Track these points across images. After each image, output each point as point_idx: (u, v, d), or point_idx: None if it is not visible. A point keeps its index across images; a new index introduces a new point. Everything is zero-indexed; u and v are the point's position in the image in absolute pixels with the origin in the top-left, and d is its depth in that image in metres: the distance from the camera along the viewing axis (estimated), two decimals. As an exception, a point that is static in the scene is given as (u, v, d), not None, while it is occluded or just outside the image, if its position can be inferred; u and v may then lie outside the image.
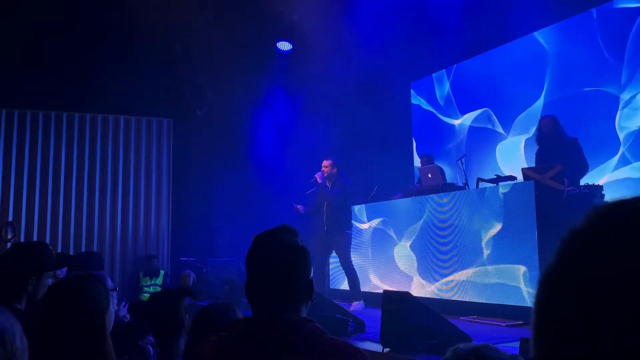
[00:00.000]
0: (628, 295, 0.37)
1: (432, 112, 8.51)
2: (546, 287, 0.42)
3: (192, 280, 3.71)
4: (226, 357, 1.36)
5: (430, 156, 7.26)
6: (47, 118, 8.08)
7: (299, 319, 1.38)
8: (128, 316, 2.96)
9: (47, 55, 7.43)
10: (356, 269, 6.11)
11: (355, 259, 6.45)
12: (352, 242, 6.32)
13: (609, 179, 5.82)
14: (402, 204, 6.23)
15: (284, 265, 1.41)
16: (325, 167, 6.11)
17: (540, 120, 5.45)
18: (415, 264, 5.88)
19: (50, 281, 2.18)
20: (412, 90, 8.91)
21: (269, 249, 1.45)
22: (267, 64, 8.23)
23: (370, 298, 6.18)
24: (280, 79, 8.33)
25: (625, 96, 5.85)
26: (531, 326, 0.44)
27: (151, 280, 7.77)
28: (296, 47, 8.16)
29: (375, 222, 6.62)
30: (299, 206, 6.18)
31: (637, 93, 5.74)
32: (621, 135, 5.86)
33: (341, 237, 5.99)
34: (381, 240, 6.47)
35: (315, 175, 6.10)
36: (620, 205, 0.42)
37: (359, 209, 6.86)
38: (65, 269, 2.52)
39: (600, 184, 5.12)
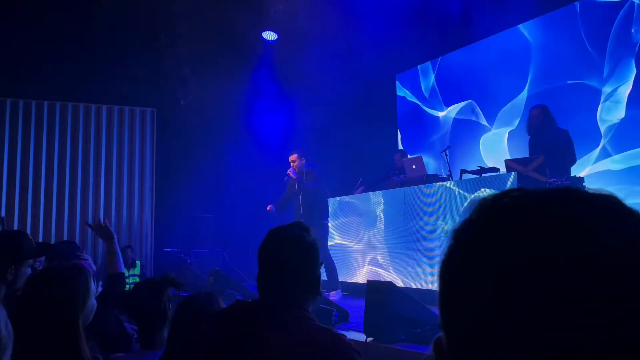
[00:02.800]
0: (536, 281, 0.40)
1: (417, 103, 8.53)
2: (456, 281, 0.45)
3: None
4: (222, 329, 1.49)
5: (404, 152, 7.37)
6: (27, 106, 7.95)
7: (294, 309, 1.48)
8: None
9: (28, 43, 7.30)
10: (344, 259, 6.12)
11: (342, 250, 6.48)
12: (340, 232, 6.31)
13: (590, 171, 5.90)
14: (387, 195, 6.25)
15: (294, 259, 1.50)
16: (293, 161, 6.02)
17: (530, 110, 5.45)
18: (400, 255, 5.91)
19: (29, 270, 2.16)
20: (397, 82, 8.93)
21: (281, 242, 1.53)
22: (252, 53, 8.18)
23: (354, 288, 6.21)
24: (265, 68, 8.29)
25: (606, 89, 5.93)
26: (442, 323, 0.46)
27: (129, 272, 7.69)
28: (282, 37, 8.12)
29: (360, 214, 6.64)
30: (269, 206, 6.10)
31: (619, 86, 5.81)
32: (602, 128, 5.94)
33: (318, 227, 5.95)
34: (367, 231, 6.50)
35: (288, 172, 5.98)
36: (499, 197, 0.46)
37: (342, 201, 6.86)
38: (43, 258, 2.49)
39: (581, 176, 5.19)
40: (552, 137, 5.11)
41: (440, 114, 8.07)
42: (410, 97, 8.66)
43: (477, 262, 0.43)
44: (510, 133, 6.92)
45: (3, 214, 7.57)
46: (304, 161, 6.05)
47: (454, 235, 0.47)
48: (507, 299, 0.40)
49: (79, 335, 1.59)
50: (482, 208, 0.46)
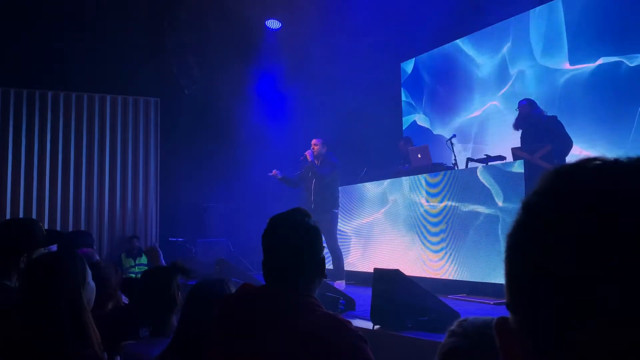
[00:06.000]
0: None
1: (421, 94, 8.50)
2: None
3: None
4: (229, 312, 1.51)
5: (409, 138, 7.35)
6: (31, 96, 7.94)
7: (299, 293, 1.49)
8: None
9: (32, 33, 7.28)
10: (349, 248, 6.13)
11: (347, 238, 6.48)
12: (344, 221, 6.31)
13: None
14: (393, 183, 6.25)
15: (298, 244, 1.52)
16: (315, 145, 6.07)
17: (519, 104, 5.61)
18: (406, 243, 5.91)
19: (39, 258, 2.17)
20: (401, 71, 8.89)
21: (283, 228, 1.55)
22: (256, 42, 8.14)
23: (359, 277, 6.22)
24: (269, 57, 8.25)
25: None
26: (518, 303, 0.44)
27: (135, 261, 7.71)
28: (285, 26, 8.07)
29: (366, 203, 6.63)
30: (274, 171, 6.13)
31: None
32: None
33: (328, 216, 5.97)
34: (372, 220, 6.50)
35: (305, 153, 6.05)
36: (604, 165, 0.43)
37: (346, 189, 6.85)
38: (55, 246, 2.50)
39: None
40: (542, 126, 5.25)
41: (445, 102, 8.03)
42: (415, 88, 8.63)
43: (575, 238, 0.40)
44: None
45: (9, 203, 7.60)
46: (325, 149, 6.09)
47: (530, 210, 0.44)
48: (611, 276, 0.38)
49: (84, 311, 1.60)
50: (565, 179, 0.43)
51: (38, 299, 1.60)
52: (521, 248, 0.44)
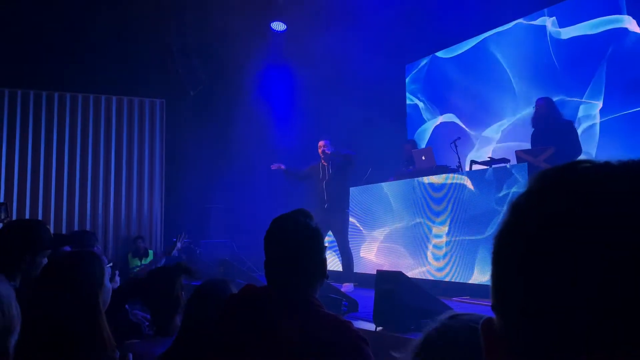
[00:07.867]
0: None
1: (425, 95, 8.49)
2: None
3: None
4: (231, 313, 1.53)
5: (414, 141, 7.33)
6: (38, 97, 8.00)
7: (301, 294, 1.51)
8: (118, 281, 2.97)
9: (38, 34, 7.33)
10: (353, 250, 6.14)
11: (351, 240, 6.49)
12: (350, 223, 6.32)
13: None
14: (396, 185, 6.25)
15: (299, 245, 1.54)
16: (325, 147, 5.99)
17: (536, 102, 5.43)
18: (409, 245, 5.92)
19: (45, 260, 2.18)
20: (406, 72, 8.88)
21: (285, 230, 1.57)
22: (261, 44, 8.16)
23: (363, 279, 6.22)
24: (274, 59, 8.27)
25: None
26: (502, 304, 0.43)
27: (141, 261, 7.74)
28: (290, 28, 8.09)
29: (369, 204, 6.64)
30: (277, 165, 6.06)
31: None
32: None
33: (340, 216, 5.94)
34: (375, 221, 6.50)
35: (323, 147, 5.95)
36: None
37: (355, 190, 6.86)
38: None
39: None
40: (555, 128, 5.10)
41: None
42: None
43: (557, 241, 0.39)
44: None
45: (15, 204, 7.65)
46: (332, 148, 6.07)
47: (516, 211, 0.43)
48: (593, 282, 0.37)
49: (99, 314, 1.61)
50: (552, 181, 0.43)
51: (55, 300, 1.59)
52: (505, 249, 0.44)
